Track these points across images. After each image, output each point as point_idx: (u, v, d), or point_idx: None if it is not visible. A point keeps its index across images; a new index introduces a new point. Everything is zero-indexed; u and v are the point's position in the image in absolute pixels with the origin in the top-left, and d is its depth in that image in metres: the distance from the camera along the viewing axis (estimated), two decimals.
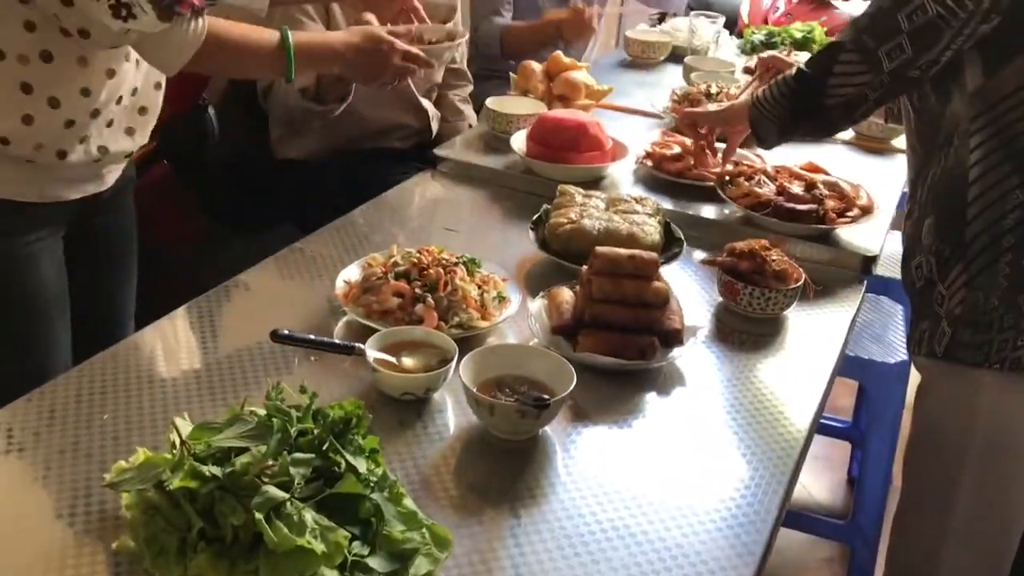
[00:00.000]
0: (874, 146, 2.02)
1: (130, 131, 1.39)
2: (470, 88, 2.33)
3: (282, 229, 2.00)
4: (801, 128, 1.44)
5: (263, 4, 1.53)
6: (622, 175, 1.79)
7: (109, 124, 1.34)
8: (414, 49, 1.52)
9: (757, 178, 1.62)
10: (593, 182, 1.73)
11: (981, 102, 1.25)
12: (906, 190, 2.02)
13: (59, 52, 1.22)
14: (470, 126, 2.24)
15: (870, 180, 1.77)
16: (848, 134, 2.07)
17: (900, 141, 2.03)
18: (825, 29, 2.53)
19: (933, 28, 1.21)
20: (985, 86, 1.24)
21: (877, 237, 1.59)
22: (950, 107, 1.29)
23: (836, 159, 1.94)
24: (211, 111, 2.21)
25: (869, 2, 1.30)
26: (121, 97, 1.34)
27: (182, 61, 1.27)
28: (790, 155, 1.83)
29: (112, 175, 1.44)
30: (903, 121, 1.43)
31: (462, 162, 1.81)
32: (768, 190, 1.59)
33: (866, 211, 1.59)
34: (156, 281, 1.67)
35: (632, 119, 2.10)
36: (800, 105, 1.38)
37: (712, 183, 1.67)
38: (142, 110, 1.40)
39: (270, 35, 1.38)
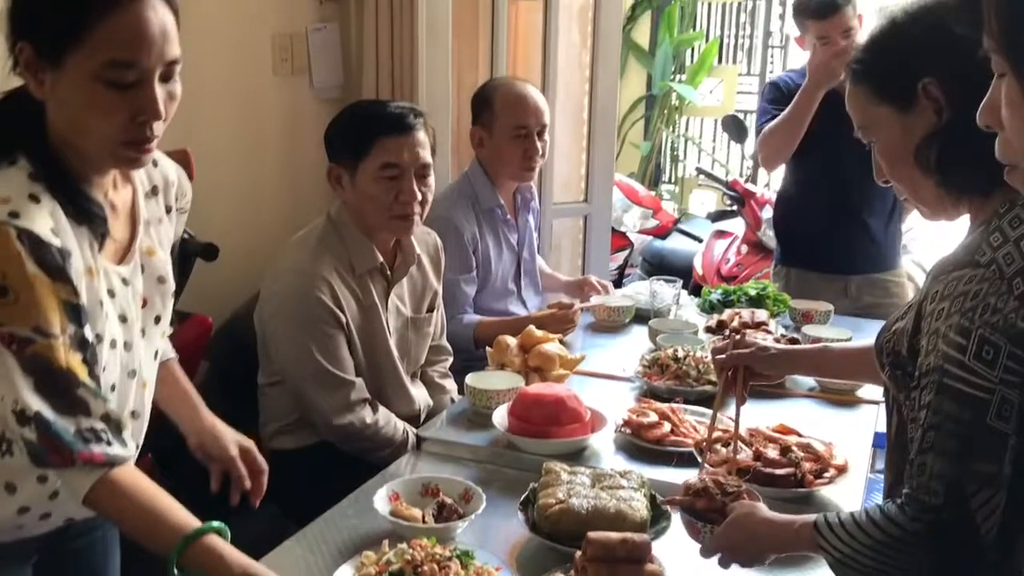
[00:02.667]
0: (840, 399, 2.10)
1: None
2: (450, 360, 2.41)
3: (265, 511, 2.00)
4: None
5: None
6: (603, 444, 1.84)
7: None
8: None
9: (734, 444, 1.68)
10: (576, 454, 1.78)
11: None
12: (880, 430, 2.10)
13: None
14: (452, 400, 2.31)
15: (839, 433, 1.84)
16: (810, 383, 2.16)
17: (864, 392, 2.13)
18: (777, 285, 2.70)
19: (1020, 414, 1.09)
20: None
21: (855, 496, 1.63)
22: None
23: (804, 413, 2.02)
24: None
25: (931, 414, 1.12)
26: None
27: (76, 497, 1.16)
28: (760, 417, 1.91)
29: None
30: (886, 413, 1.35)
31: (446, 441, 1.86)
32: (746, 455, 1.65)
33: (841, 470, 1.64)
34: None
35: (606, 383, 2.18)
36: (950, 559, 1.13)
37: (691, 448, 1.73)
38: None
39: (183, 521, 1.16)
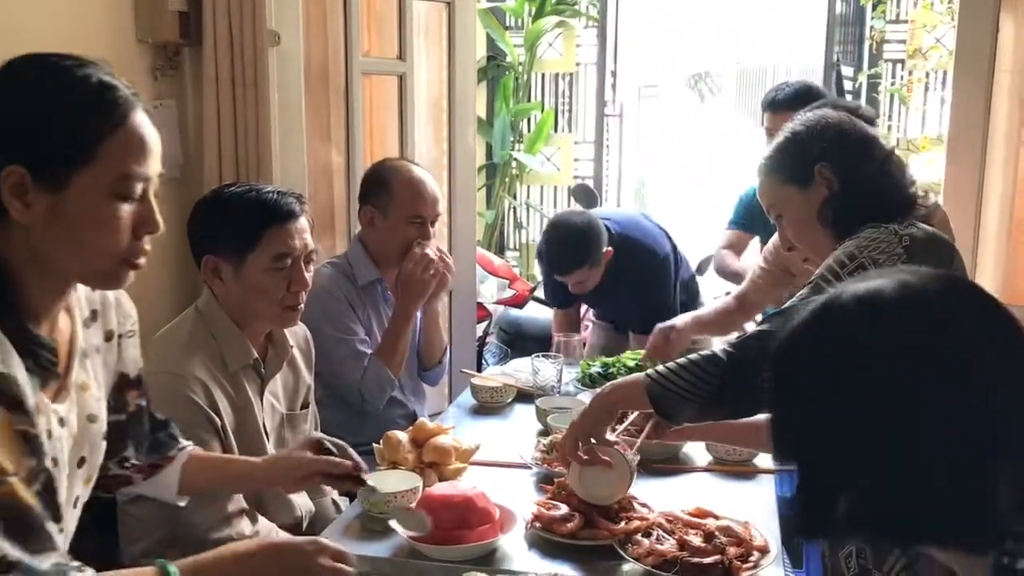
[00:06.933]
0: (736, 470, 2.09)
1: None
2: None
3: None
4: (726, 407, 1.52)
5: (180, 501, 1.58)
6: (514, 543, 1.73)
7: None
8: (345, 567, 1.28)
9: (655, 533, 1.62)
10: (486, 556, 1.66)
11: None
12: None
13: None
14: (334, 502, 2.14)
15: (744, 507, 1.82)
16: (707, 457, 2.15)
17: (760, 460, 2.13)
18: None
19: None
20: None
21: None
22: None
23: (704, 488, 2.00)
24: None
25: (797, 296, 1.52)
26: None
27: None
28: (662, 495, 1.87)
29: None
30: None
31: None
32: (670, 545, 1.58)
33: (763, 551, 1.61)
34: None
35: (504, 473, 2.08)
36: (730, 386, 1.48)
37: (609, 541, 1.65)
38: None
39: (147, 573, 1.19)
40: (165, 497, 1.58)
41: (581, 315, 4.25)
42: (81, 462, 1.25)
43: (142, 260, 1.19)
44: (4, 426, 1.05)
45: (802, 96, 2.88)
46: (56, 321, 1.21)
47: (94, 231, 1.13)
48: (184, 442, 1.58)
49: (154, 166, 1.17)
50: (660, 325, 2.51)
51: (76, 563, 1.12)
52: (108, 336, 1.35)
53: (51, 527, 1.09)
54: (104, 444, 1.32)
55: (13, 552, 1.02)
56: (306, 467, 1.56)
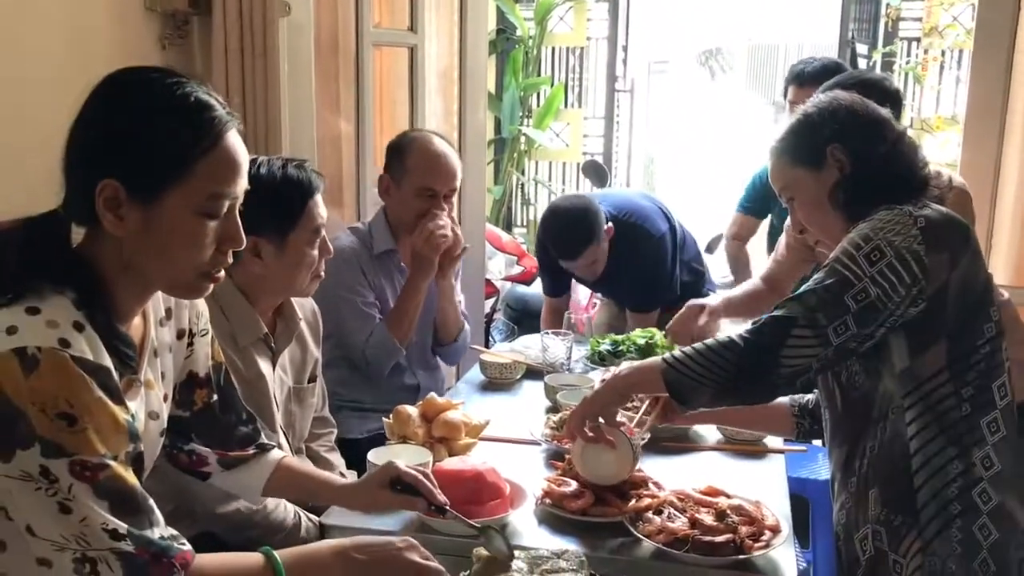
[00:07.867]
0: (747, 449, 2.08)
1: None
2: (335, 433, 2.25)
3: None
4: (741, 393, 1.49)
5: (259, 503, 1.63)
6: (523, 519, 1.73)
7: None
8: (434, 563, 1.32)
9: (666, 511, 1.61)
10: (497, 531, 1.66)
11: (910, 381, 1.47)
12: (810, 477, 2.31)
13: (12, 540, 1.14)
14: (342, 474, 2.14)
15: (754, 486, 1.81)
16: (717, 436, 2.14)
17: (770, 440, 2.12)
18: (664, 333, 2.68)
19: (873, 309, 1.42)
20: (911, 367, 1.46)
21: (790, 559, 1.59)
22: (882, 385, 1.50)
23: (714, 467, 1.99)
24: None
25: (813, 280, 1.48)
26: None
27: None
28: (673, 473, 1.86)
29: None
30: (823, 400, 1.65)
31: (353, 528, 1.69)
32: (681, 523, 1.58)
33: (775, 531, 1.60)
34: None
35: (514, 448, 2.08)
36: (747, 371, 1.45)
37: (620, 518, 1.64)
38: None
39: (254, 560, 1.25)
40: (247, 496, 1.63)
41: (588, 296, 4.25)
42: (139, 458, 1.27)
43: (222, 273, 1.23)
44: (115, 414, 1.10)
45: (831, 71, 2.80)
46: (132, 320, 1.24)
47: (183, 246, 1.16)
48: (270, 443, 1.59)
49: (242, 184, 1.20)
50: (692, 301, 2.44)
51: (176, 533, 1.17)
52: (180, 334, 1.38)
53: (152, 504, 1.15)
54: (161, 440, 1.36)
55: (123, 525, 1.09)
56: (382, 508, 1.64)
